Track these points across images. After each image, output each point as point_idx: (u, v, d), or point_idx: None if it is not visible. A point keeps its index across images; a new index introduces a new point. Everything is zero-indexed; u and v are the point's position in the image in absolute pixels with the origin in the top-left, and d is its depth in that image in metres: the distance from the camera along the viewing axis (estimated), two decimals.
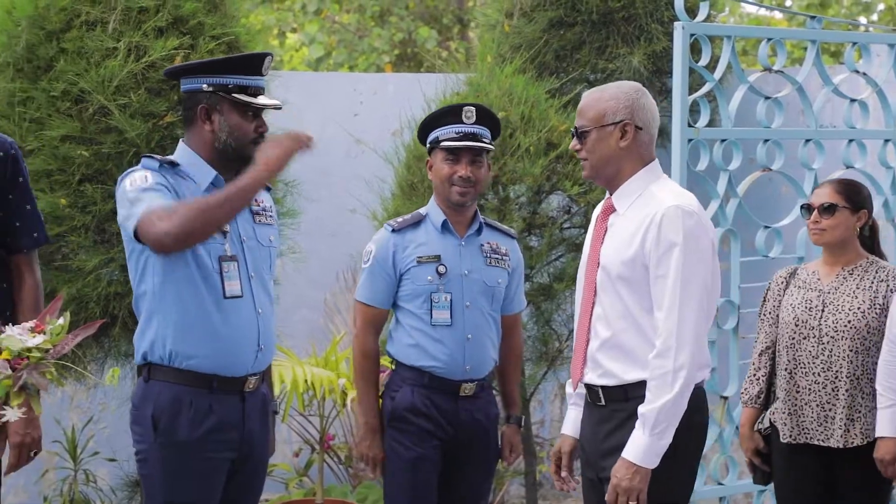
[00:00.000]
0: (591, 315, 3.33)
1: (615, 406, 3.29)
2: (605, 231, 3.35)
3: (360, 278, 4.11)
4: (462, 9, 11.50)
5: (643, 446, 3.19)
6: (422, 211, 4.13)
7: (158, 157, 3.41)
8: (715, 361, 4.66)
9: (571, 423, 3.53)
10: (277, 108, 3.41)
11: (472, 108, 4.08)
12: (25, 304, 3.40)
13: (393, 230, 4.08)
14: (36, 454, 3.20)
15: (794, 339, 4.19)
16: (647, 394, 3.19)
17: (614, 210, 3.34)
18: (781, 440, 4.20)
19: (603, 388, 3.31)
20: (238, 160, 3.40)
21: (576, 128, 3.35)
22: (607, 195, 3.38)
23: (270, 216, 3.56)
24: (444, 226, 4.09)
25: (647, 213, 3.24)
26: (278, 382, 5.50)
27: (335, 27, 11.38)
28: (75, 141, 4.81)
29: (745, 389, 4.36)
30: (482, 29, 6.89)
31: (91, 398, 6.11)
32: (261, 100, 3.39)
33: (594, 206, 5.55)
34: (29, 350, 2.81)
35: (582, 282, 3.41)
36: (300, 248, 5.56)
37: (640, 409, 3.19)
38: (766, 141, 4.91)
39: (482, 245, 4.11)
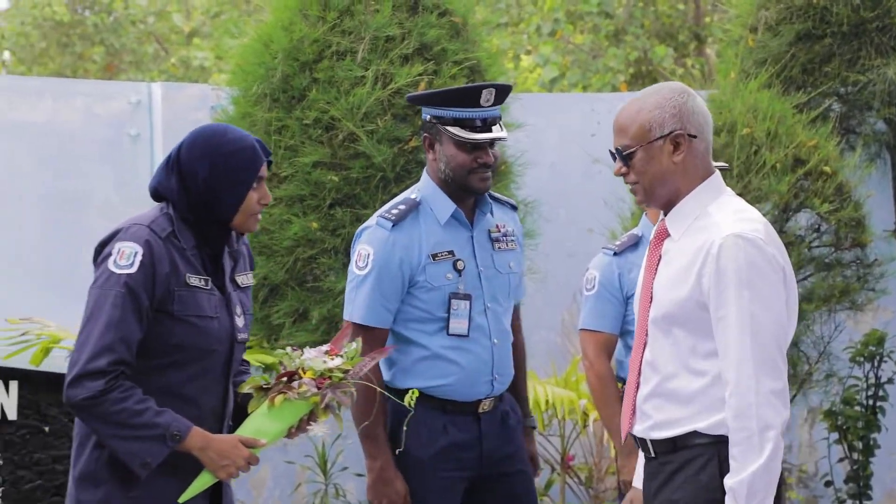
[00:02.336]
0: (642, 358, 2.84)
1: (664, 458, 2.81)
2: (659, 259, 2.84)
3: (584, 307, 4.05)
4: (699, 25, 11.30)
5: None
6: (636, 232, 4.08)
7: (397, 211, 3.37)
8: None
9: (639, 475, 3.01)
10: (500, 140, 3.36)
11: None
12: None
13: (614, 253, 4.04)
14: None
15: None
16: (732, 462, 2.68)
17: (668, 235, 2.83)
18: None
19: (652, 440, 2.84)
20: (460, 190, 3.42)
21: (617, 148, 2.83)
22: (661, 216, 2.88)
23: (512, 240, 3.55)
24: None
25: (703, 242, 2.73)
26: None
27: (569, 48, 11.40)
28: (326, 167, 5.00)
29: None
30: (722, 45, 6.76)
31: (341, 414, 6.31)
32: (475, 134, 3.34)
33: (845, 225, 5.37)
34: (331, 371, 2.94)
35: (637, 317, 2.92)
36: (538, 268, 5.58)
37: (727, 481, 2.68)
38: None
39: None
